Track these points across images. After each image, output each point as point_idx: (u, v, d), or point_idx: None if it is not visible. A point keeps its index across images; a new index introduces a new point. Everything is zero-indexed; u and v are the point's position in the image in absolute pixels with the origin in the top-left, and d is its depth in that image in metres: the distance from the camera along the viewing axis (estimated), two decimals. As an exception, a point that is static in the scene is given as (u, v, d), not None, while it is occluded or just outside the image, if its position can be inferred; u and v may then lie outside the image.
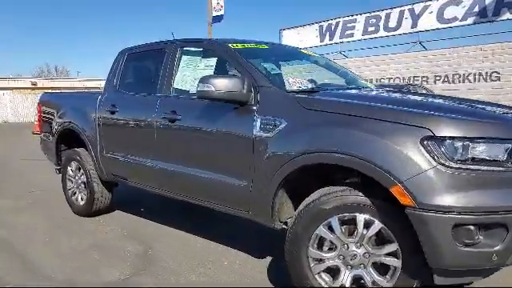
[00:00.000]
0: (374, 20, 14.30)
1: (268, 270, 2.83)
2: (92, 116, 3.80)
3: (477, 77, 10.20)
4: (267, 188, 2.36)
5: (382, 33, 14.17)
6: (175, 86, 3.11)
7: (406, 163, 1.82)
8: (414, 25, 13.24)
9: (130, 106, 3.47)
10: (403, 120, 1.89)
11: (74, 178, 4.23)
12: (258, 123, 2.41)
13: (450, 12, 12.43)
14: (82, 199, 4.18)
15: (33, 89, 29.22)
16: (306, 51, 3.66)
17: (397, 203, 1.87)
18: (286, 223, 2.50)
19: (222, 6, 18.62)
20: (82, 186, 4.14)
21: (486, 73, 10.10)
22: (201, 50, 3.03)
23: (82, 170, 4.09)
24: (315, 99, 2.34)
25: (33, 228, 3.85)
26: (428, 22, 12.89)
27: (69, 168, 4.28)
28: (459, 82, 10.51)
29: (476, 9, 11.84)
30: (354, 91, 2.84)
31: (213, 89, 2.43)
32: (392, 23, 13.86)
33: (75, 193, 4.26)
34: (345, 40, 15.01)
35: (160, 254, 3.16)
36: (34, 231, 3.74)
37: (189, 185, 2.92)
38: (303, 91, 2.50)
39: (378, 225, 1.99)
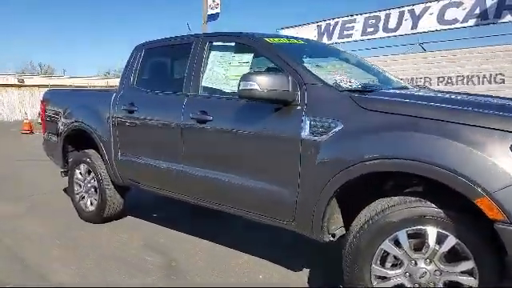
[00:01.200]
0: (374, 21, 14.21)
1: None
2: (106, 115, 3.53)
3: (481, 79, 10.17)
4: (318, 197, 2.14)
5: (381, 33, 14.08)
6: (204, 84, 2.87)
7: (495, 172, 1.62)
8: (414, 26, 13.18)
9: (151, 105, 3.21)
10: (488, 124, 1.70)
11: (83, 181, 3.95)
12: (307, 125, 2.19)
13: (450, 14, 12.40)
14: (91, 204, 3.90)
15: (19, 86, 28.45)
16: (336, 48, 3.46)
17: (480, 216, 1.68)
18: (333, 235, 2.29)
19: (218, 4, 18.33)
20: (92, 190, 3.86)
21: (491, 75, 10.07)
22: (233, 44, 2.79)
23: (92, 174, 3.81)
24: (377, 99, 2.13)
25: (39, 236, 3.55)
26: (428, 23, 12.84)
27: (77, 171, 3.99)
28: (462, 83, 10.46)
29: (477, 11, 11.83)
30: (411, 91, 2.64)
31: (257, 87, 2.21)
32: (392, 24, 13.79)
33: (84, 197, 3.98)
34: (344, 40, 14.89)
35: (185, 266, 2.91)
36: (41, 240, 3.44)
37: (221, 192, 2.68)
38: (356, 90, 2.29)
39: (452, 240, 1.80)
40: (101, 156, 3.72)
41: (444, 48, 11.81)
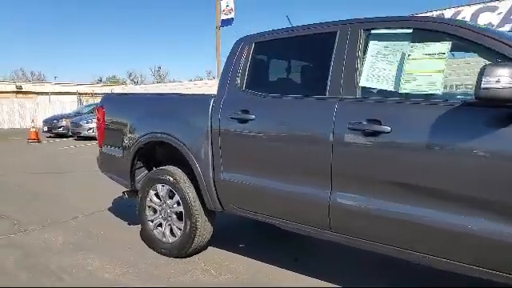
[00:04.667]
0: (400, 26, 13.73)
1: None
2: (201, 125, 2.82)
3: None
4: None
5: (407, 39, 13.59)
6: (363, 83, 2.19)
7: None
8: (445, 31, 12.73)
9: (278, 112, 2.50)
10: None
11: (161, 205, 3.21)
12: None
13: (484, 18, 11.97)
14: (172, 234, 3.16)
15: (17, 93, 27.48)
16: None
17: None
18: None
19: (231, 9, 17.85)
20: (174, 216, 3.13)
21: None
22: (409, 31, 2.11)
23: (176, 196, 3.08)
24: None
25: (117, 276, 2.80)
26: (461, 28, 12.40)
27: (152, 192, 3.26)
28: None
29: (514, 16, 11.41)
30: None
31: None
32: (420, 29, 13.32)
33: (160, 225, 3.24)
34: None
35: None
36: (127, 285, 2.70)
37: (416, 233, 1.95)
38: None
39: None
40: (188, 175, 3.01)
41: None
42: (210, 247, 3.36)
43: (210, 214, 3.04)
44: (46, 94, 28.12)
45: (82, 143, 13.50)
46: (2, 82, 27.69)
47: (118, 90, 24.98)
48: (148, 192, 3.28)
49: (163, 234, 3.20)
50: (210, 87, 17.03)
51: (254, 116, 2.55)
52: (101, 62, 78.99)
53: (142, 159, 3.42)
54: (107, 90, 27.85)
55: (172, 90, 18.40)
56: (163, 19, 76.55)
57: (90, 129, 14.20)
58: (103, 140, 3.74)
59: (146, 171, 3.50)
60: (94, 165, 4.09)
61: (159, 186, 3.19)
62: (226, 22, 17.82)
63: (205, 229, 3.04)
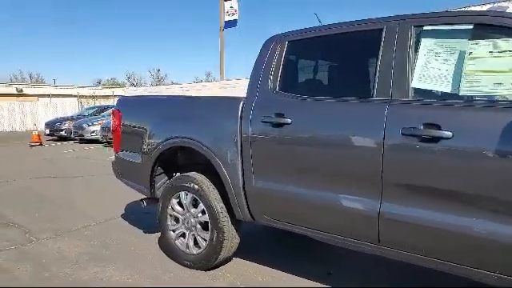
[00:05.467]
0: (407, 26, 13.58)
1: None
2: (230, 129, 2.64)
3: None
4: None
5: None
6: (416, 84, 2.01)
7: None
8: (453, 32, 12.58)
9: (320, 116, 2.31)
10: None
11: (184, 214, 3.03)
12: None
13: (494, 19, 11.82)
14: (196, 245, 2.98)
15: (18, 96, 27.28)
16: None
17: None
18: None
19: (235, 11, 17.67)
20: (199, 226, 2.95)
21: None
22: (470, 27, 1.93)
23: (201, 205, 2.89)
24: None
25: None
26: (469, 28, 12.24)
27: (174, 201, 3.07)
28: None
29: (524, 15, 11.26)
30: None
31: None
32: (427, 30, 13.17)
33: (183, 235, 3.06)
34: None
35: None
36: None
37: (487, 251, 1.78)
38: None
39: None
40: (214, 182, 2.83)
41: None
42: (234, 257, 3.18)
43: (237, 223, 2.86)
44: (48, 96, 27.95)
45: (85, 146, 13.31)
46: (2, 84, 27.48)
47: (117, 92, 24.77)
48: (170, 200, 3.10)
49: (186, 244, 3.02)
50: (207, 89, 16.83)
51: (290, 120, 2.36)
52: (99, 64, 78.55)
53: (161, 165, 3.24)
54: (109, 92, 27.66)
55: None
56: (161, 21, 76.17)
57: (94, 131, 14.01)
58: (120, 145, 3.55)
59: (166, 178, 3.32)
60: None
61: (182, 194, 3.01)
62: (230, 24, 17.64)
63: (232, 239, 2.86)
